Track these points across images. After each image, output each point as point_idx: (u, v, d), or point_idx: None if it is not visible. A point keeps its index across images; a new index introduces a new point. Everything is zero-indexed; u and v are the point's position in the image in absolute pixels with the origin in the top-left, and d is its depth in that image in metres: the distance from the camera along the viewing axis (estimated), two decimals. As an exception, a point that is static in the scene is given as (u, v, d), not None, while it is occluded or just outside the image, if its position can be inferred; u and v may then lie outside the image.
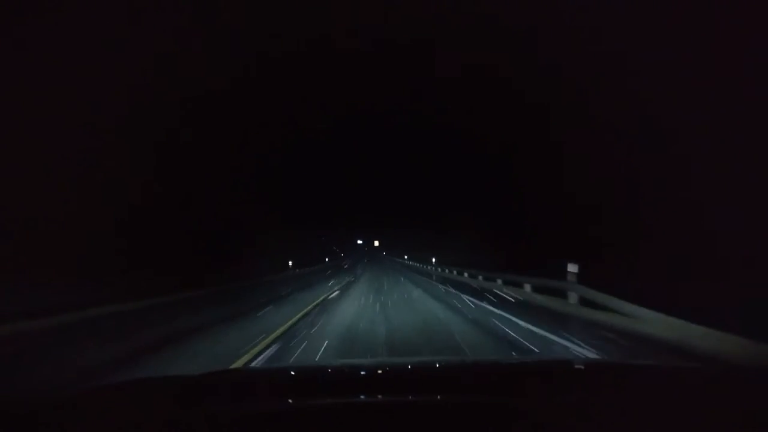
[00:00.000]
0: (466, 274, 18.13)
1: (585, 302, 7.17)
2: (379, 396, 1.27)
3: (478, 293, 11.81)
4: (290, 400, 1.20)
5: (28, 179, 10.74)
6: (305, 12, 22.09)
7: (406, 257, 58.19)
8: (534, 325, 6.34)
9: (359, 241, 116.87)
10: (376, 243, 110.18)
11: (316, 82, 35.76)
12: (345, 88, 40.04)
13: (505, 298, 10.53)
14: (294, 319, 7.16)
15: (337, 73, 35.78)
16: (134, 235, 13.64)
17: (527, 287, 10.07)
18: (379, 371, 1.77)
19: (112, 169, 13.19)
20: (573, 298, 7.57)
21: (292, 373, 1.79)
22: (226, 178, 21.41)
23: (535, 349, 4.92)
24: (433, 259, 29.90)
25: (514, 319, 7.05)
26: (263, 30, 20.95)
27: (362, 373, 1.73)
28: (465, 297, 10.78)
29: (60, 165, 11.81)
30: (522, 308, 8.42)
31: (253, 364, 4.35)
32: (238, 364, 4.31)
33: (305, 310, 8.37)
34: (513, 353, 4.82)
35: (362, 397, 1.26)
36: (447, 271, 22.74)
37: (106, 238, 12.61)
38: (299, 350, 4.97)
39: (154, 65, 14.05)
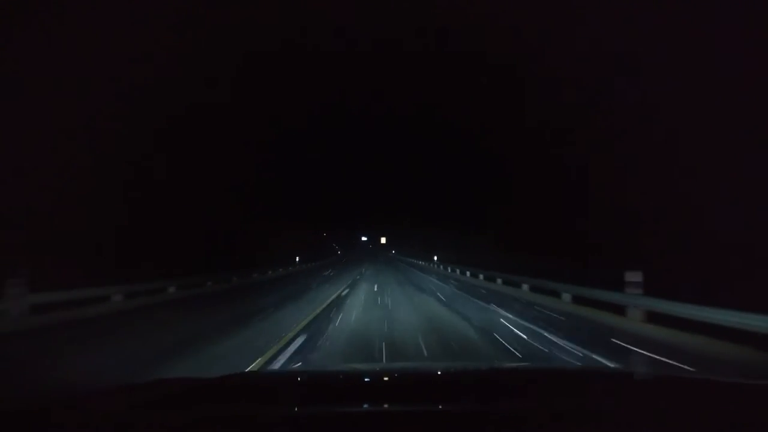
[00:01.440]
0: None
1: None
2: (385, 405, 1.26)
3: None
4: (297, 407, 1.20)
5: (36, 177, 10.99)
6: (316, 12, 22.19)
7: (435, 258, 35.93)
8: None
9: (363, 238, 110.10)
10: (383, 240, 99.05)
11: (329, 81, 36.31)
12: (361, 87, 40.45)
13: None
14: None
15: (350, 72, 36.15)
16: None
17: None
18: (385, 378, 1.78)
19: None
20: None
21: (303, 377, 1.81)
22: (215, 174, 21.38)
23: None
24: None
25: None
26: (270, 28, 21.09)
27: (367, 379, 1.73)
28: None
29: (76, 168, 12.09)
30: None
31: None
32: None
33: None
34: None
35: (366, 405, 1.26)
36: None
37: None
38: None
39: (157, 63, 14.19)
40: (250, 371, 4.06)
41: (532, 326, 7.45)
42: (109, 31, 12.39)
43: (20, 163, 10.61)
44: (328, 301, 11.00)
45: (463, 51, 25.26)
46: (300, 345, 5.79)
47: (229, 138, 22.78)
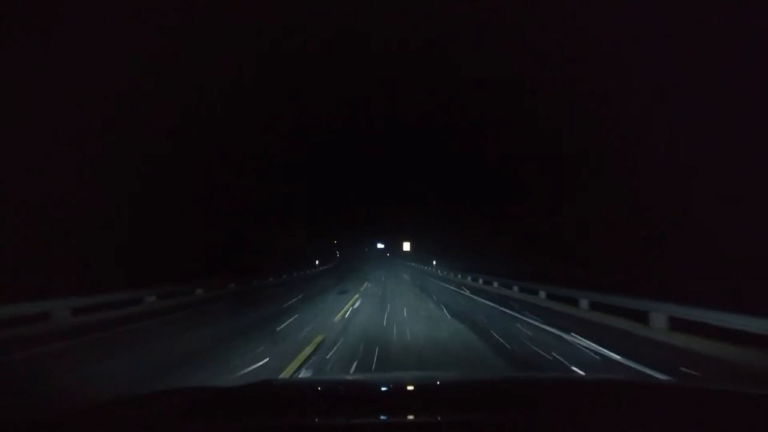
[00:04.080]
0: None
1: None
2: (410, 416, 1.24)
3: None
4: (315, 417, 1.20)
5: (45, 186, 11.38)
6: (340, 8, 22.70)
7: None
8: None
9: (379, 246, 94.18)
10: (406, 246, 76.47)
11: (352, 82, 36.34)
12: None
13: None
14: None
15: (372, 73, 36.19)
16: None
17: None
18: (410, 387, 1.75)
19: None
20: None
21: (319, 387, 1.80)
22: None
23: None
24: None
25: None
26: (286, 28, 21.72)
27: (384, 389, 1.71)
28: None
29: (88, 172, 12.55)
30: None
31: None
32: None
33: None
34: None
35: (383, 417, 1.24)
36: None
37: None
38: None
39: (159, 67, 14.66)
40: (271, 379, 3.86)
41: None
42: (110, 33, 12.84)
43: (26, 166, 10.96)
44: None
45: (477, 54, 25.53)
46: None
47: (231, 143, 23.01)
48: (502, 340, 6.75)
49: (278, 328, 7.89)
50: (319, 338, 6.72)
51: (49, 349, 6.15)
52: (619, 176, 15.18)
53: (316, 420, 1.16)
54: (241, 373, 4.67)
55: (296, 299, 13.04)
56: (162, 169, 15.78)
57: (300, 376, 4.53)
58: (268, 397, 1.49)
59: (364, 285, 19.47)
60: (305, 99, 34.85)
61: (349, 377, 3.36)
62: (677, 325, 7.07)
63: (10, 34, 10.51)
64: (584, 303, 10.00)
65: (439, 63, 33.21)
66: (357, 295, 14.16)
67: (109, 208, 13.13)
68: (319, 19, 23.48)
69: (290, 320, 8.87)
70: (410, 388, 1.74)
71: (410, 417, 1.22)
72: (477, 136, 33.80)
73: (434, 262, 38.79)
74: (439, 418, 1.15)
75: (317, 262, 43.08)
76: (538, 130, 21.89)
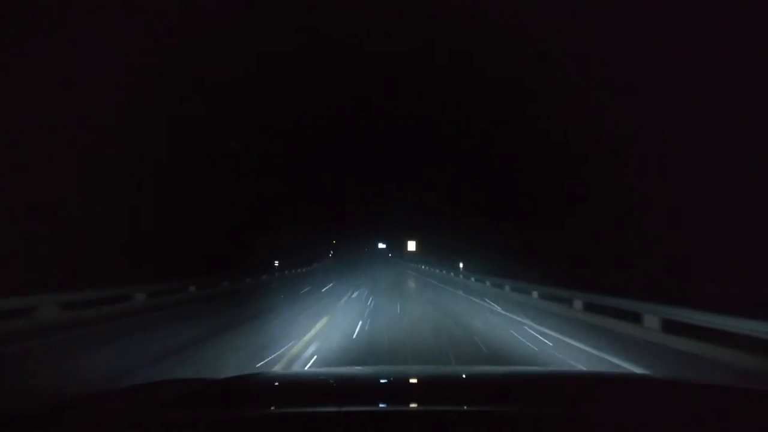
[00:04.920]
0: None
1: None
2: (412, 405, 1.24)
3: None
4: (310, 407, 1.17)
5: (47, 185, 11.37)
6: (340, 8, 22.79)
7: None
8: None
9: (381, 245, 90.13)
10: (411, 246, 67.27)
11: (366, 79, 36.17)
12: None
13: None
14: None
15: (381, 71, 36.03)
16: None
17: None
18: (412, 380, 1.74)
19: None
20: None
21: (316, 378, 1.79)
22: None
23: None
24: None
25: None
26: (287, 28, 21.76)
27: (384, 381, 1.70)
28: None
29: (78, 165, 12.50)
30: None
31: None
32: None
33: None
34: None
35: (382, 405, 1.23)
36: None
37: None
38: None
39: (160, 66, 14.68)
40: (259, 372, 3.83)
41: None
42: (110, 33, 12.88)
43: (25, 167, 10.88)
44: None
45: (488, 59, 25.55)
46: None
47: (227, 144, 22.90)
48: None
49: None
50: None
51: None
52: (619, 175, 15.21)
53: (308, 409, 1.15)
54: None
55: None
56: (160, 169, 15.78)
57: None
58: (259, 389, 1.47)
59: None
60: (305, 99, 34.78)
61: (343, 370, 3.30)
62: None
63: (10, 34, 10.52)
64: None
65: (440, 63, 33.28)
66: None
67: (108, 208, 13.16)
68: (320, 19, 23.54)
69: None
70: (413, 380, 1.73)
71: (412, 406, 1.22)
72: (479, 134, 34.08)
73: (461, 265, 23.84)
74: (428, 409, 1.14)
75: (276, 263, 27.07)
76: (538, 129, 21.97)
